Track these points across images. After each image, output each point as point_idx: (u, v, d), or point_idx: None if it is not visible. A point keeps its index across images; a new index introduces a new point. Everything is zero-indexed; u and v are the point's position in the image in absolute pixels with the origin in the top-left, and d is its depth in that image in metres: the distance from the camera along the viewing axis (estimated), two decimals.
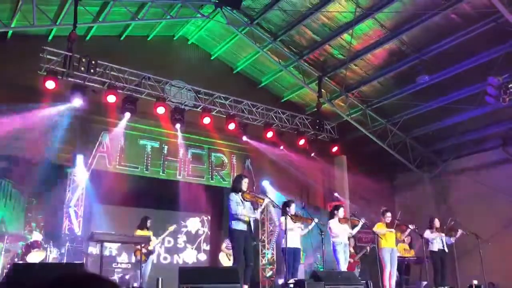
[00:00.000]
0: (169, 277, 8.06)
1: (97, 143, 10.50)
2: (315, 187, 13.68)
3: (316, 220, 7.90)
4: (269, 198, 7.29)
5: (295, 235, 7.87)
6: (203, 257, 12.59)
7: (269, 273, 12.20)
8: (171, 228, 9.57)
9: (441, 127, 12.61)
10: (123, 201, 10.68)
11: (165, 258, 11.96)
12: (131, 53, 11.12)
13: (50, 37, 10.22)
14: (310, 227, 8.10)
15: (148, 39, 11.89)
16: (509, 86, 8.69)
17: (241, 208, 6.72)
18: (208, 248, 12.68)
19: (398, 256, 8.97)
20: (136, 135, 11.09)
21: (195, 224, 12.73)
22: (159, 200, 11.37)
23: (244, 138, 11.89)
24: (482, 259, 8.78)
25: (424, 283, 9.76)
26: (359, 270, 10.63)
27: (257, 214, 7.11)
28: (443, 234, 9.36)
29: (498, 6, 8.13)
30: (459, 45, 9.92)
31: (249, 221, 6.84)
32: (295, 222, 7.84)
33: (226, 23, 10.96)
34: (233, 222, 6.70)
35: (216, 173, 12.26)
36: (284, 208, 7.64)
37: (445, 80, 10.92)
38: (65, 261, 8.39)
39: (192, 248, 12.47)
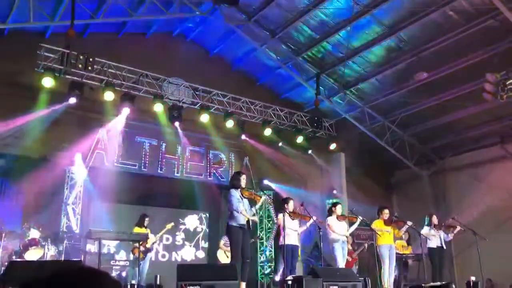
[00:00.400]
0: (167, 274, 8.07)
1: (95, 141, 10.47)
2: (313, 184, 13.67)
3: (314, 217, 7.90)
4: (267, 196, 7.29)
5: (293, 232, 7.87)
6: (201, 254, 12.59)
7: (267, 270, 12.21)
8: (169, 225, 9.57)
9: (439, 124, 12.62)
10: (121, 199, 10.67)
11: (163, 256, 11.96)
12: (129, 50, 11.08)
13: (47, 34, 10.17)
14: (308, 224, 8.10)
15: (146, 36, 11.86)
16: (507, 83, 8.68)
17: (241, 204, 6.73)
18: (206, 245, 12.68)
19: (396, 253, 8.97)
20: (134, 132, 11.06)
21: (193, 221, 12.72)
22: (157, 198, 11.36)
23: (243, 137, 11.90)
24: (480, 256, 8.80)
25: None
26: (357, 267, 10.65)
27: (255, 217, 7.12)
28: (441, 231, 9.37)
29: (496, 3, 8.14)
30: (457, 42, 9.92)
31: (247, 218, 6.83)
32: (293, 220, 7.84)
33: (224, 20, 10.94)
34: (230, 218, 6.70)
35: (214, 171, 12.25)
36: (282, 206, 7.63)
37: (443, 77, 10.92)
38: (63, 259, 8.37)
39: (190, 246, 12.47)
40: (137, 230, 8.99)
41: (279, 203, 7.83)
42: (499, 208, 11.50)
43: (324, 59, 12.05)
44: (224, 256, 10.29)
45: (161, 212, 11.28)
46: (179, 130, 11.32)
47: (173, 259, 12.01)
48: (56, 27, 9.87)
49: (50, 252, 8.33)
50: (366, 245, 11.03)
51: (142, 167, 11.16)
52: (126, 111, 10.10)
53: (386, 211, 8.81)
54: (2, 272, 6.26)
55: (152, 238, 9.22)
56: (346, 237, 8.63)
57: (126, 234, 8.35)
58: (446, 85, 11.19)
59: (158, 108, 10.34)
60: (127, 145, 10.99)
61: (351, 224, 8.69)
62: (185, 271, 5.73)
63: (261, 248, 12.60)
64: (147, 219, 9.22)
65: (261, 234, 12.69)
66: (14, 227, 8.57)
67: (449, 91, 11.37)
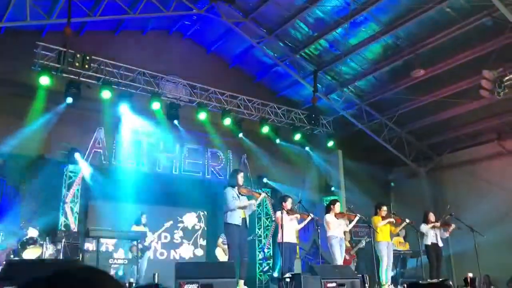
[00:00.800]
0: (166, 272, 8.07)
1: (93, 139, 10.46)
2: (311, 182, 13.69)
3: (312, 215, 7.92)
4: (265, 193, 7.30)
5: (291, 230, 7.88)
6: (199, 252, 12.59)
7: (265, 268, 12.23)
8: (167, 224, 9.57)
9: (437, 121, 12.64)
10: (119, 197, 10.65)
11: (161, 254, 11.95)
12: (126, 48, 11.07)
13: (43, 33, 10.14)
14: (306, 222, 8.11)
15: (143, 34, 11.83)
16: (504, 80, 8.71)
17: (237, 202, 6.72)
18: (204, 243, 12.69)
19: (393, 250, 9.01)
20: (132, 130, 11.04)
21: (191, 219, 12.72)
22: (155, 196, 11.34)
23: (240, 135, 11.91)
24: (477, 252, 8.83)
25: None
26: (355, 264, 10.67)
27: (253, 207, 7.10)
28: (438, 228, 9.40)
29: (493, 0, 8.14)
30: (454, 39, 9.94)
31: (245, 216, 6.84)
32: (291, 217, 7.84)
33: (221, 18, 10.92)
34: (228, 216, 6.72)
35: (212, 169, 12.25)
36: (280, 203, 7.65)
37: (440, 74, 10.94)
38: (61, 257, 8.37)
39: (188, 244, 12.46)
40: (135, 228, 9.00)
41: (277, 201, 7.83)
42: (496, 204, 11.53)
43: (321, 57, 12.05)
44: (222, 254, 10.31)
45: (159, 210, 11.27)
46: (177, 128, 11.31)
47: (171, 257, 12.01)
48: (52, 25, 9.83)
49: (48, 251, 8.31)
50: (363, 242, 11.06)
51: (140, 165, 11.15)
52: (122, 109, 10.07)
53: (384, 208, 8.83)
54: (0, 271, 6.26)
55: (150, 236, 9.22)
56: (344, 234, 8.65)
57: (125, 233, 8.36)
58: (443, 82, 11.21)
59: (156, 106, 10.33)
60: (125, 143, 10.97)
61: (349, 221, 8.70)
62: (184, 269, 5.75)
63: (260, 246, 12.61)
64: (144, 216, 9.22)
65: (259, 232, 12.71)
66: (12, 226, 8.56)
67: (446, 88, 11.39)
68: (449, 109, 11.92)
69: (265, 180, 12.48)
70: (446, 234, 9.47)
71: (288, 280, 6.59)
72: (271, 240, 12.51)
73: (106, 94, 9.64)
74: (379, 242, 8.49)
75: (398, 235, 10.08)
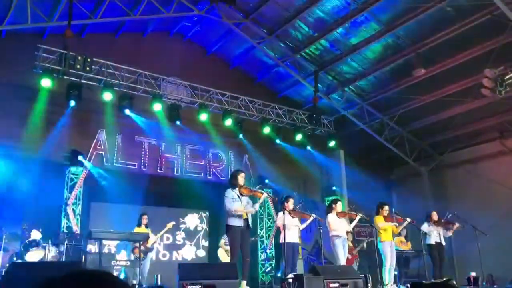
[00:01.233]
0: (168, 274, 8.08)
1: (94, 141, 10.48)
2: (313, 182, 13.70)
3: (314, 215, 7.91)
4: (267, 193, 7.29)
5: (293, 230, 7.88)
6: (202, 253, 12.60)
7: (268, 269, 12.23)
8: (170, 225, 9.57)
9: (438, 120, 12.63)
10: (120, 199, 10.66)
11: (164, 255, 11.97)
12: (126, 50, 11.08)
13: (44, 35, 10.16)
14: (308, 222, 8.11)
15: (144, 35, 11.84)
16: (505, 78, 8.68)
17: (237, 204, 6.70)
18: (207, 244, 12.69)
19: (395, 250, 8.99)
20: (133, 132, 11.06)
21: (193, 220, 12.73)
22: (157, 197, 11.36)
23: (241, 136, 11.91)
24: (480, 251, 8.81)
25: None
26: (357, 264, 10.66)
27: (256, 207, 7.09)
28: (441, 227, 9.38)
29: None
30: (455, 38, 9.92)
31: (247, 217, 6.83)
32: (293, 217, 7.85)
33: (221, 18, 10.93)
34: (229, 218, 6.70)
35: (213, 170, 12.25)
36: (282, 203, 7.64)
37: (441, 73, 10.92)
38: (64, 259, 8.38)
39: (191, 245, 12.47)
40: (137, 230, 9.00)
41: (279, 201, 7.83)
42: (499, 203, 11.52)
43: (322, 57, 12.05)
44: (224, 255, 10.29)
45: (161, 211, 11.28)
46: (178, 129, 11.32)
47: (173, 258, 12.02)
48: (53, 28, 9.86)
49: (51, 253, 8.32)
50: (366, 241, 11.05)
51: (142, 166, 11.17)
52: (124, 111, 10.07)
53: (386, 207, 8.81)
54: (3, 273, 6.27)
55: (152, 237, 9.22)
56: (347, 233, 8.64)
57: (127, 234, 8.35)
58: (444, 81, 11.20)
59: (157, 107, 10.35)
60: (126, 144, 10.99)
61: (351, 221, 8.70)
62: (186, 270, 5.74)
63: (262, 247, 12.61)
64: (144, 217, 9.20)
65: (262, 233, 12.71)
66: (14, 229, 8.57)
67: (447, 87, 11.38)
68: (451, 108, 11.90)
69: (266, 180, 12.47)
70: (449, 234, 9.45)
71: (290, 280, 6.59)
72: (273, 241, 12.50)
73: (107, 96, 9.66)
74: (383, 242, 8.47)
75: (399, 234, 10.06)
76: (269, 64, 12.83)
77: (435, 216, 9.43)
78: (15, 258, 7.91)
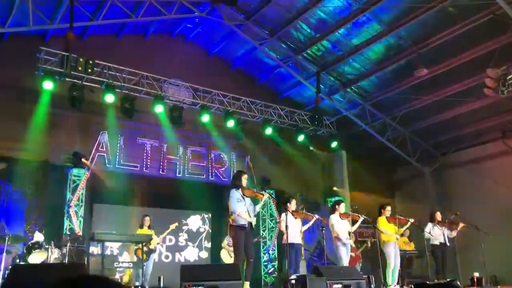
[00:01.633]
0: (171, 275, 8.07)
1: (96, 143, 10.49)
2: (315, 182, 13.68)
3: (316, 216, 7.89)
4: (269, 194, 7.28)
5: (296, 231, 7.87)
6: (204, 254, 12.59)
7: (271, 270, 12.21)
8: (173, 226, 9.58)
9: (440, 120, 12.60)
10: (123, 200, 10.68)
11: (166, 257, 11.97)
12: (128, 52, 11.09)
13: (46, 38, 10.18)
14: (311, 223, 8.09)
15: (145, 37, 11.86)
16: (508, 78, 8.66)
17: (241, 204, 6.70)
18: (209, 245, 12.68)
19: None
20: (135, 134, 11.07)
21: (196, 222, 12.72)
22: (160, 199, 11.37)
23: (243, 137, 11.90)
24: (484, 252, 8.78)
25: None
26: (360, 265, 10.63)
27: (257, 209, 7.08)
28: (444, 228, 9.35)
29: None
30: (457, 38, 9.90)
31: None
32: (295, 218, 7.84)
33: (223, 20, 10.93)
34: (233, 218, 6.70)
35: (216, 171, 12.25)
36: (284, 205, 7.62)
37: (443, 73, 10.90)
38: (66, 261, 8.38)
39: (193, 246, 12.47)
40: (140, 231, 9.00)
41: (282, 202, 7.81)
42: (502, 203, 11.48)
43: (324, 57, 12.04)
44: (227, 256, 10.29)
45: (163, 213, 11.28)
46: (180, 131, 11.32)
47: (176, 259, 12.02)
48: (55, 30, 9.87)
49: (53, 255, 8.32)
50: (369, 242, 11.02)
51: (144, 168, 11.17)
52: (126, 112, 10.08)
53: (389, 208, 8.79)
54: (6, 275, 6.28)
55: (155, 239, 9.22)
56: (349, 234, 8.62)
57: (129, 236, 8.35)
58: (446, 81, 11.17)
59: (159, 109, 10.35)
60: (128, 146, 10.99)
61: (354, 222, 8.67)
62: (189, 271, 5.73)
63: (264, 248, 12.59)
64: (146, 218, 9.20)
65: (264, 234, 12.69)
66: (17, 231, 8.58)
67: (449, 87, 11.36)
68: (453, 108, 11.88)
69: (268, 181, 12.45)
70: (454, 234, 9.41)
71: (293, 281, 6.57)
72: (276, 242, 12.48)
73: (109, 97, 9.66)
74: (388, 243, 8.43)
75: (402, 235, 10.02)
76: (270, 65, 12.83)
77: (438, 216, 9.41)
78: (18, 260, 7.91)
